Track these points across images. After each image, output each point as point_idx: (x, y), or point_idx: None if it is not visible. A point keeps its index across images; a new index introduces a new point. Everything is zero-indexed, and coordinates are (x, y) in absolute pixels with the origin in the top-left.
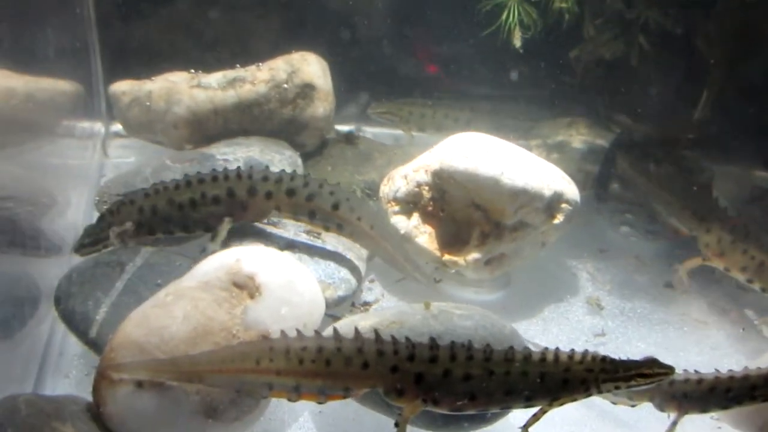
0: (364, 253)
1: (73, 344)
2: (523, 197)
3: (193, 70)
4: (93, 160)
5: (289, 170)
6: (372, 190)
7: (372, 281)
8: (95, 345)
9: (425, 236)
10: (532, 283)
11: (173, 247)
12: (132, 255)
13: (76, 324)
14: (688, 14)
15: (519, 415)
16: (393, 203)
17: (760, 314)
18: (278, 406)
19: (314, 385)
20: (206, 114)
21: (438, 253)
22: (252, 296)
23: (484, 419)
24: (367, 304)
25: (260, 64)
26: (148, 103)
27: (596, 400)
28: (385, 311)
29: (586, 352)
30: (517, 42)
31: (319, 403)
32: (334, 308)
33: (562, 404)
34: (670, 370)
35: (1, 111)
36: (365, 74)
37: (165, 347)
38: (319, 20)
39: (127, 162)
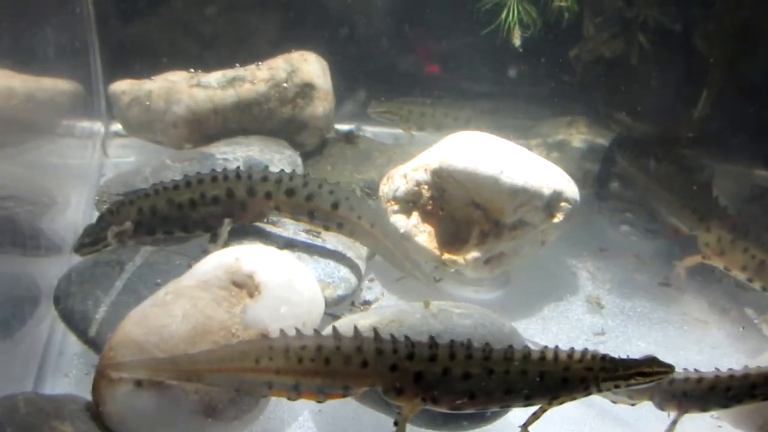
0: (364, 252)
1: (73, 343)
2: (523, 196)
3: (192, 70)
4: (93, 159)
5: (288, 170)
6: (372, 190)
7: (372, 280)
8: (95, 344)
9: (425, 235)
10: (532, 281)
11: (173, 246)
12: (131, 254)
13: (76, 323)
14: (688, 13)
15: (518, 414)
16: (392, 202)
17: (761, 313)
18: (278, 405)
19: (313, 384)
20: (206, 113)
21: (437, 252)
22: (251, 295)
23: (484, 418)
24: (366, 303)
25: (260, 63)
26: (147, 103)
27: (596, 399)
28: (385, 310)
29: (585, 351)
30: (517, 41)
31: (319, 401)
32: (334, 307)
33: (561, 403)
34: (669, 368)
35: (1, 110)
36: (365, 73)
37: (164, 346)
38: (319, 19)
39: (127, 161)
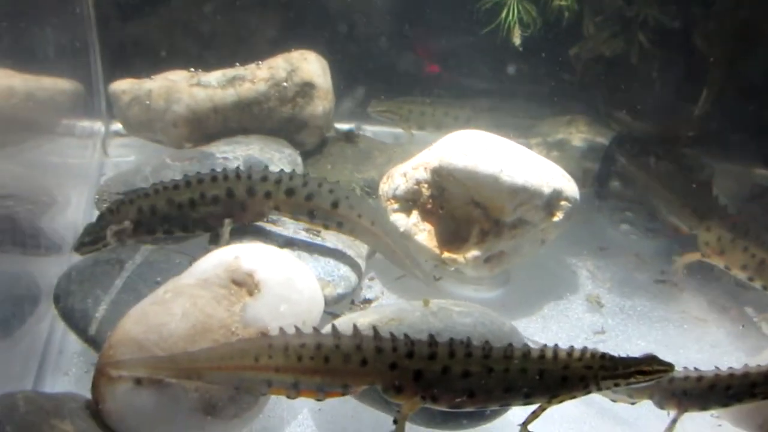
0: (364, 250)
1: (73, 342)
2: (523, 195)
3: (192, 69)
4: (93, 158)
5: (288, 169)
6: (371, 189)
7: (372, 279)
8: (95, 342)
9: (424, 234)
10: (532, 280)
11: (172, 245)
12: (131, 253)
13: (76, 322)
14: (688, 12)
15: (518, 413)
16: (392, 201)
17: (760, 311)
18: (277, 403)
19: (313, 382)
20: (206, 112)
21: (437, 251)
22: (251, 293)
23: (483, 416)
24: (366, 301)
25: (260, 62)
26: (147, 102)
27: (596, 398)
28: (384, 308)
29: (585, 349)
30: (517, 40)
31: (318, 400)
32: (334, 306)
33: (561, 401)
34: (669, 367)
35: (2, 110)
36: (365, 72)
37: (164, 344)
38: (319, 19)
39: (127, 161)
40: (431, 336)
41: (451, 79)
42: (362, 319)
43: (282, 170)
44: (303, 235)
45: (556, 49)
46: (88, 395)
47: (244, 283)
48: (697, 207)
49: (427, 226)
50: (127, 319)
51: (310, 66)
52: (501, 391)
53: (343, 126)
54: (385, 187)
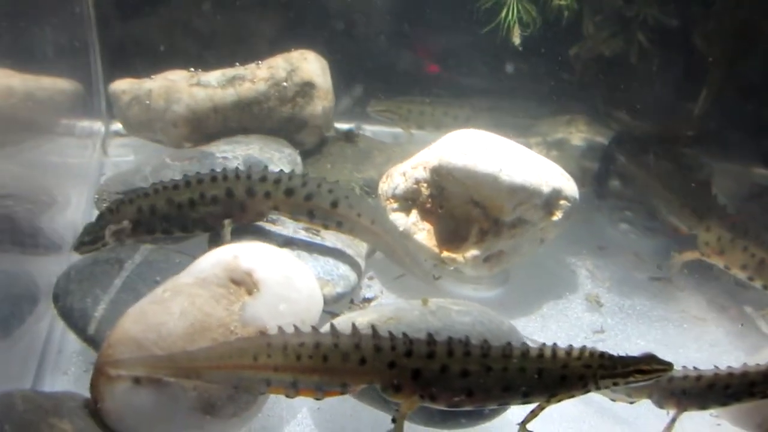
0: (364, 249)
1: (72, 341)
2: (522, 194)
3: (192, 69)
4: (93, 158)
5: (288, 168)
6: (371, 188)
7: (371, 278)
8: (94, 342)
9: (424, 233)
10: (531, 280)
11: (172, 245)
12: (131, 252)
13: (75, 321)
14: (687, 11)
15: (517, 412)
16: (391, 200)
17: (760, 310)
18: (277, 402)
19: (312, 381)
20: (206, 112)
21: (436, 250)
22: (250, 292)
23: (482, 415)
24: (366, 300)
25: (260, 62)
26: (147, 102)
27: (595, 397)
28: (383, 308)
29: (583, 348)
30: (516, 39)
31: (317, 399)
32: (333, 305)
33: (560, 401)
34: (668, 366)
35: (1, 110)
36: (364, 72)
37: (162, 343)
38: (319, 19)
39: (127, 160)
40: (430, 335)
41: (450, 79)
42: (361, 318)
43: (281, 170)
44: (302, 235)
45: (556, 48)
46: (87, 394)
47: (242, 282)
48: (697, 207)
49: (427, 226)
50: (126, 318)
51: (309, 66)
52: (499, 390)
53: (343, 126)
54: (385, 186)
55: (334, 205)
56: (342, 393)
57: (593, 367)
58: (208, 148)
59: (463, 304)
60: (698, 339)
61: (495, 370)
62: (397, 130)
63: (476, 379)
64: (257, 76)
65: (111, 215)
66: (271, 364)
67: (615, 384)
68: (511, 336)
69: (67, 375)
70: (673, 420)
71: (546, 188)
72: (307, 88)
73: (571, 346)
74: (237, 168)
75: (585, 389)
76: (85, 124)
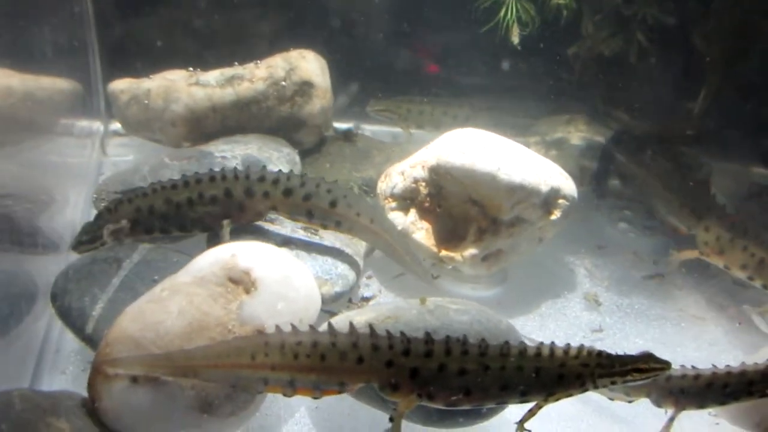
0: (362, 248)
1: (70, 340)
2: (520, 193)
3: (191, 68)
4: (91, 158)
5: (287, 168)
6: (370, 188)
7: (369, 277)
8: (91, 341)
9: (422, 232)
10: (529, 279)
11: (170, 244)
12: (129, 251)
13: (73, 320)
14: (686, 11)
15: (515, 411)
16: (390, 199)
17: (758, 309)
18: (274, 401)
19: (309, 380)
20: (204, 112)
21: (435, 249)
22: (248, 291)
23: (480, 414)
24: (364, 299)
25: (258, 61)
26: (146, 101)
27: (593, 396)
28: (381, 307)
29: (581, 347)
30: (515, 39)
31: (315, 398)
32: (332, 304)
33: (557, 399)
34: (666, 365)
35: (0, 109)
36: (364, 71)
37: (160, 342)
38: (318, 18)
39: (126, 160)
40: (427, 334)
41: (449, 78)
42: (359, 317)
43: (280, 170)
44: (301, 234)
45: (555, 47)
46: (85, 393)
47: (240, 281)
48: (696, 206)
49: (425, 225)
50: (123, 317)
51: (308, 65)
52: (497, 389)
53: (342, 125)
54: (383, 185)
55: (333, 204)
56: (340, 392)
57: (591, 366)
58: (207, 147)
59: (461, 303)
60: (697, 338)
61: (493, 369)
62: (396, 129)
63: (474, 378)
64: (256, 76)
65: (109, 214)
66: (268, 363)
67: (613, 383)
68: (509, 335)
69: (65, 374)
70: (672, 419)
71: (544, 187)
72: (305, 88)
73: (569, 345)
74: (235, 168)
75: (583, 388)
76: (83, 123)
